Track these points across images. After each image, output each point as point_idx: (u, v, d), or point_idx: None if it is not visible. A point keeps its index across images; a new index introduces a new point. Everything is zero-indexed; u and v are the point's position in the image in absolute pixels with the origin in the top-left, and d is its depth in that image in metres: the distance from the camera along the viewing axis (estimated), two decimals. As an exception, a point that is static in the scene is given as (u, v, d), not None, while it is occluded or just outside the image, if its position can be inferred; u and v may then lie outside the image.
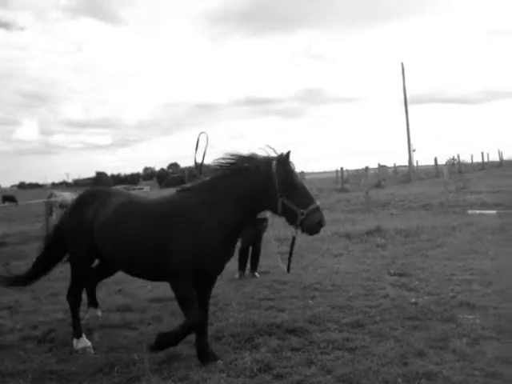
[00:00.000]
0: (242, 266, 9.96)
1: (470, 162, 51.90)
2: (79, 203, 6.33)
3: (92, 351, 5.98)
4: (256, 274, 9.89)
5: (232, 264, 10.73)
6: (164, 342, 5.37)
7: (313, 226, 5.32)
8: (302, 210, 5.24)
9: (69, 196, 27.40)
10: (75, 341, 6.11)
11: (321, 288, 8.30)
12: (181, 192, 5.75)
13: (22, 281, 6.72)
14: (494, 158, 51.48)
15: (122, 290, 8.91)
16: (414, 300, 7.25)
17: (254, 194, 5.39)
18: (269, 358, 5.47)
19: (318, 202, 5.34)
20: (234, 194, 5.39)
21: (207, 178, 5.60)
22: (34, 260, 6.70)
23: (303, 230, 5.37)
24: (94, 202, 6.09)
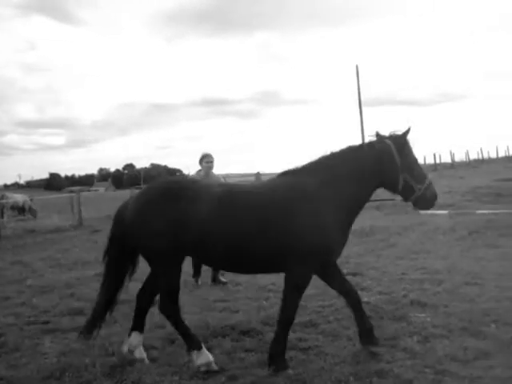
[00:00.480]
0: (197, 272, 9.38)
1: (422, 163, 52.82)
2: (161, 198, 5.34)
3: (215, 368, 5.30)
4: (222, 278, 9.28)
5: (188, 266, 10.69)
6: (276, 354, 5.25)
7: (430, 201, 5.59)
8: (419, 186, 5.46)
9: (21, 198, 26.98)
10: (195, 355, 5.34)
11: (275, 289, 8.31)
12: (291, 175, 5.54)
13: (97, 319, 5.77)
14: (446, 159, 52.49)
15: (74, 293, 8.76)
16: (366, 299, 7.31)
17: (369, 171, 5.44)
18: (222, 360, 5.47)
19: (430, 177, 5.57)
20: (348, 171, 5.39)
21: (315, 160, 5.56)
22: (101, 290, 5.80)
23: (418, 206, 5.63)
24: (182, 196, 5.28)
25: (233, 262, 5.46)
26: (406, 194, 5.51)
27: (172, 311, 5.49)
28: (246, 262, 5.39)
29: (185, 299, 7.93)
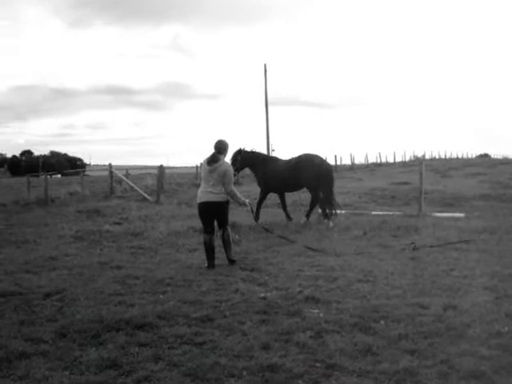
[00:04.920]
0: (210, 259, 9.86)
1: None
2: None
3: None
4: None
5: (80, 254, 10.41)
6: None
7: None
8: None
9: None
10: None
11: (173, 283, 8.27)
12: None
13: None
14: (347, 161, 54.13)
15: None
16: (262, 295, 7.43)
17: None
18: (115, 354, 5.36)
19: None
20: None
21: None
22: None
23: None
24: None
25: None
26: None
27: None
28: None
29: (80, 292, 7.76)
